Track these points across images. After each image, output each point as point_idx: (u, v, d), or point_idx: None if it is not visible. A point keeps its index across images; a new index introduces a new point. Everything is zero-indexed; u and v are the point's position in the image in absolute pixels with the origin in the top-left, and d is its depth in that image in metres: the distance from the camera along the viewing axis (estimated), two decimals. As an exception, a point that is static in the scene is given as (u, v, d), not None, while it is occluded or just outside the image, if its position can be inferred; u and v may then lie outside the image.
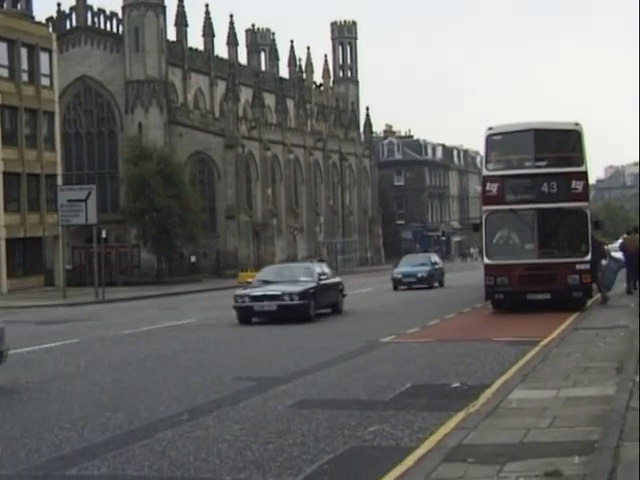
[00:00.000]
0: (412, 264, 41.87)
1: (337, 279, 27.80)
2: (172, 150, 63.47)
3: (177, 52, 72.01)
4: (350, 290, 30.45)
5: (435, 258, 44.39)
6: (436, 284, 41.00)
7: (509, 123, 25.57)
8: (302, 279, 24.81)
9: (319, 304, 24.54)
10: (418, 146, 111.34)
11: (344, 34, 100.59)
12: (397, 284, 40.20)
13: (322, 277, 25.42)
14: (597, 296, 26.06)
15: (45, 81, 54.89)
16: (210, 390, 12.61)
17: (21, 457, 8.90)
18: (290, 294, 23.41)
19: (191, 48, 75.07)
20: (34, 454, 8.99)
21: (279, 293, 23.54)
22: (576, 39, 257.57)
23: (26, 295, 46.16)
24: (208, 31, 77.11)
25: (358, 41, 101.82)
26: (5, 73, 51.87)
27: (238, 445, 9.06)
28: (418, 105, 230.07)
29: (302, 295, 23.51)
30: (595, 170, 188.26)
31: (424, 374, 13.48)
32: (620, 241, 35.30)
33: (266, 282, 24.98)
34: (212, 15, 76.84)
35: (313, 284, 24.40)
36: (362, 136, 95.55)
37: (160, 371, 14.89)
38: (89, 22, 70.81)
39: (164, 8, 69.03)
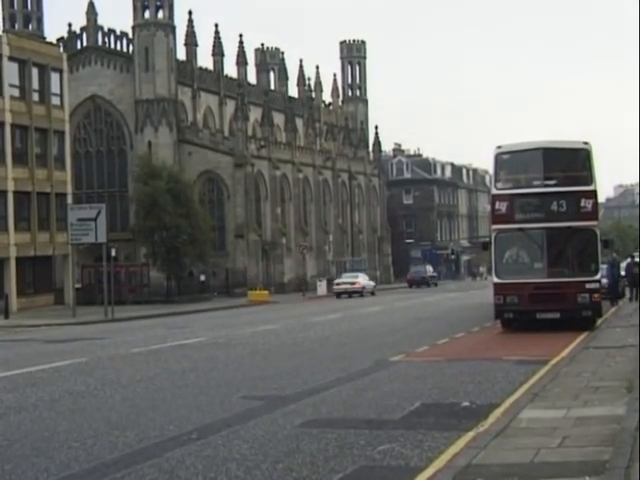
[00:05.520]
0: None
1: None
2: (182, 169, 63.68)
3: (187, 71, 72.36)
4: (361, 309, 30.68)
5: None
6: None
7: (518, 142, 25.57)
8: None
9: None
10: (427, 165, 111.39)
11: (353, 53, 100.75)
12: None
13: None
14: (607, 314, 26.05)
15: (55, 100, 55.17)
16: (219, 409, 12.60)
17: (30, 476, 8.89)
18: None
19: (201, 67, 75.44)
20: (43, 473, 8.98)
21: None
22: (585, 58, 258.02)
23: (36, 314, 46.23)
24: (218, 50, 77.48)
25: (367, 60, 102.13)
26: (16, 93, 52.16)
27: (247, 464, 9.04)
28: (427, 124, 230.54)
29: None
30: (604, 189, 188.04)
31: (433, 393, 13.45)
32: (629, 260, 35.47)
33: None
34: (221, 35, 77.44)
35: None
36: (371, 155, 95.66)
37: (169, 390, 14.88)
38: (99, 42, 71.26)
39: (174, 28, 69.47)
